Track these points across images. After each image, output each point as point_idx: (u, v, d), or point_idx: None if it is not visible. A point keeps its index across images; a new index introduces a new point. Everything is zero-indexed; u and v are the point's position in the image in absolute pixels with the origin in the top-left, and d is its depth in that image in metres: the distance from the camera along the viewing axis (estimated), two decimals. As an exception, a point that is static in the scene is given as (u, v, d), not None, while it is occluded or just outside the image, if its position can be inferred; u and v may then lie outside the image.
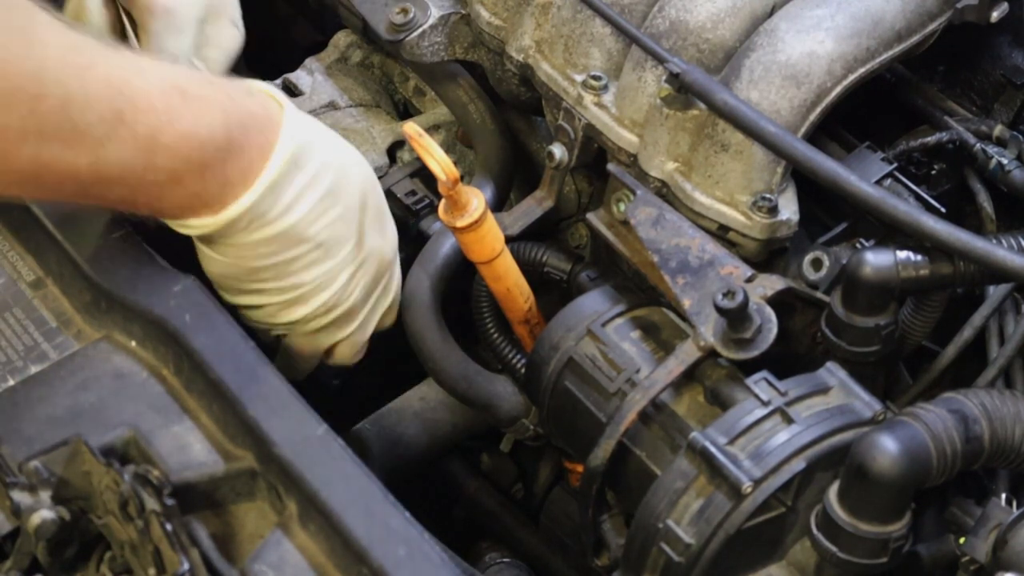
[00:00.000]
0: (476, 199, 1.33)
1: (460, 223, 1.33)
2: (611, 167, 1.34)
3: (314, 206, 1.25)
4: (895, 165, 1.36)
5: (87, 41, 1.15)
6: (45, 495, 1.07)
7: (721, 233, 1.31)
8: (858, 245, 1.31)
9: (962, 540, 1.18)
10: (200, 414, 1.14)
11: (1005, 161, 1.37)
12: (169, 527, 1.03)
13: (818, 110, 1.31)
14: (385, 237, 1.35)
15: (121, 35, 1.42)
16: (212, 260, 1.26)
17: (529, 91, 1.50)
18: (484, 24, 1.48)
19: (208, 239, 1.24)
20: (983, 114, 1.45)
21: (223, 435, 1.13)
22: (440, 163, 1.28)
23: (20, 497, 1.06)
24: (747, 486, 1.13)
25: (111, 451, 1.10)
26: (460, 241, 1.36)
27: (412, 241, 1.53)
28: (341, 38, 1.70)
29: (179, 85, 1.20)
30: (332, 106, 1.63)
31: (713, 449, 1.14)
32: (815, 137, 1.33)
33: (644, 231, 1.28)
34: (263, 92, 1.28)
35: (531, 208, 1.46)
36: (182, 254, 1.27)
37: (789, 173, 1.32)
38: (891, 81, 1.46)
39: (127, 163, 1.15)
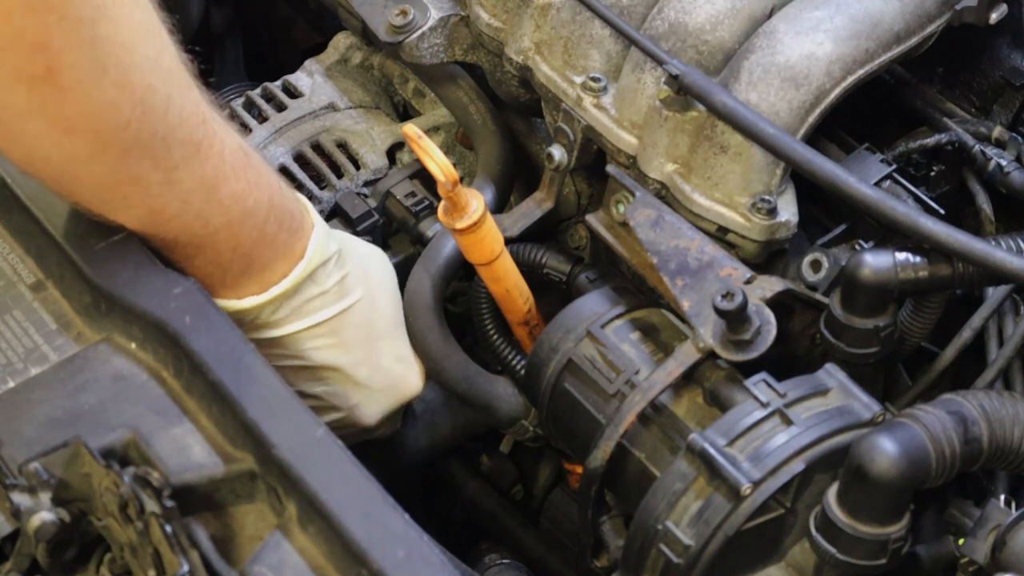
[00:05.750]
0: (475, 201, 1.33)
1: (459, 225, 1.33)
2: (610, 169, 1.34)
3: (312, 328, 1.29)
4: (894, 167, 1.36)
5: (185, 65, 1.15)
6: (45, 497, 1.07)
7: (720, 235, 1.31)
8: (857, 247, 1.31)
9: (961, 541, 1.19)
10: (200, 416, 1.14)
11: (1004, 162, 1.37)
12: (169, 529, 1.03)
13: (817, 112, 1.31)
14: (402, 362, 1.39)
15: None
16: None
17: (528, 93, 1.50)
18: (483, 26, 1.48)
19: None
20: (982, 115, 1.45)
21: (223, 437, 1.13)
22: (439, 165, 1.29)
23: (20, 499, 1.06)
24: (746, 487, 1.13)
25: (111, 453, 1.10)
26: (459, 243, 1.36)
27: (411, 243, 1.53)
28: (341, 40, 1.70)
29: (245, 148, 1.20)
30: (332, 108, 1.63)
31: (712, 451, 1.14)
32: (814, 139, 1.33)
33: (643, 232, 1.28)
34: (300, 200, 1.30)
35: (530, 209, 1.46)
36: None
37: (788, 175, 1.32)
38: (890, 83, 1.46)
39: (187, 197, 1.16)
